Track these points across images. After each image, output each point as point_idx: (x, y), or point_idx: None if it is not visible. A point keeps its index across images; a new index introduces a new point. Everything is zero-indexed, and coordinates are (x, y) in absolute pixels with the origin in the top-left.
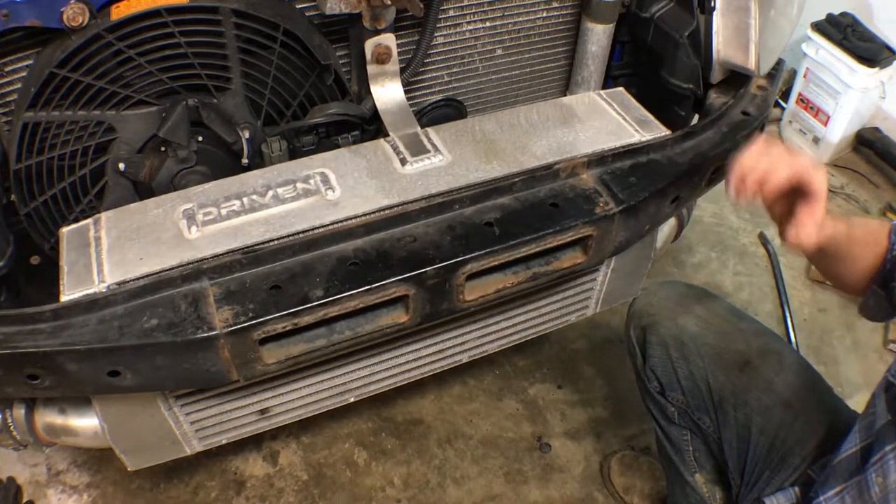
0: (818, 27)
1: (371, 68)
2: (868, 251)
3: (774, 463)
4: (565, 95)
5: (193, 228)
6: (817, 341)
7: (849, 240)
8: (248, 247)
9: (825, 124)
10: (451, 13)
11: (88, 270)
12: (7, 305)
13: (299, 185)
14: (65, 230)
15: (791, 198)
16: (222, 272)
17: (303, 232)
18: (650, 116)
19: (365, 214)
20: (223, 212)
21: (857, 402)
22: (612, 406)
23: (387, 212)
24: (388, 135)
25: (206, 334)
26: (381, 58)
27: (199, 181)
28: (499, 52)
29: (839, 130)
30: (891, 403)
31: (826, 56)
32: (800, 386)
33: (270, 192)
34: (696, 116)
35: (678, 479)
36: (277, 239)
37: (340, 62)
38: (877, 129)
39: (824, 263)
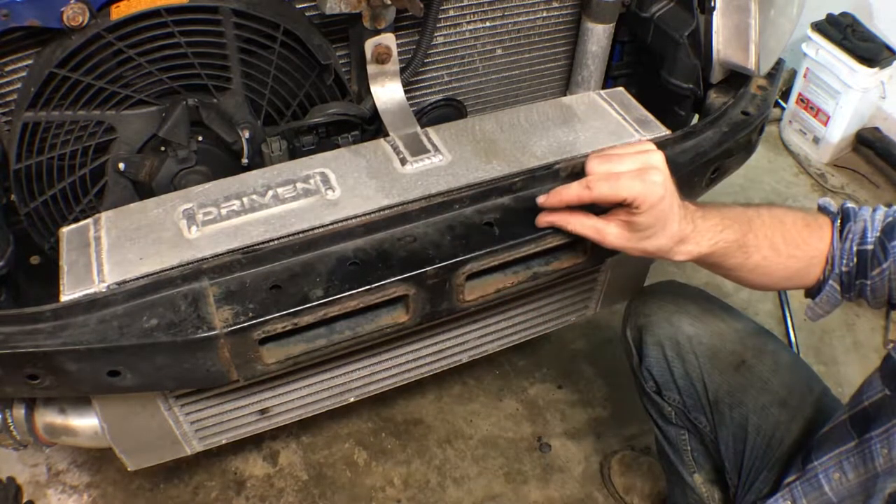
0: (818, 27)
1: (371, 68)
2: (785, 256)
3: (772, 462)
4: (565, 95)
5: (193, 228)
6: (817, 341)
7: (744, 253)
8: (248, 247)
9: (825, 124)
10: (451, 13)
11: (88, 270)
12: (7, 305)
13: (299, 185)
14: (65, 230)
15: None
16: (222, 272)
17: (303, 232)
18: (650, 116)
19: (365, 214)
20: (223, 212)
21: None
22: (612, 406)
23: (387, 212)
24: (388, 135)
25: (206, 334)
26: (381, 58)
27: (199, 181)
28: (499, 52)
29: (839, 130)
30: (888, 377)
31: (826, 56)
32: (796, 385)
33: (270, 192)
34: (696, 116)
35: (677, 480)
36: (277, 239)
37: (340, 62)
38: (877, 129)
39: (715, 269)
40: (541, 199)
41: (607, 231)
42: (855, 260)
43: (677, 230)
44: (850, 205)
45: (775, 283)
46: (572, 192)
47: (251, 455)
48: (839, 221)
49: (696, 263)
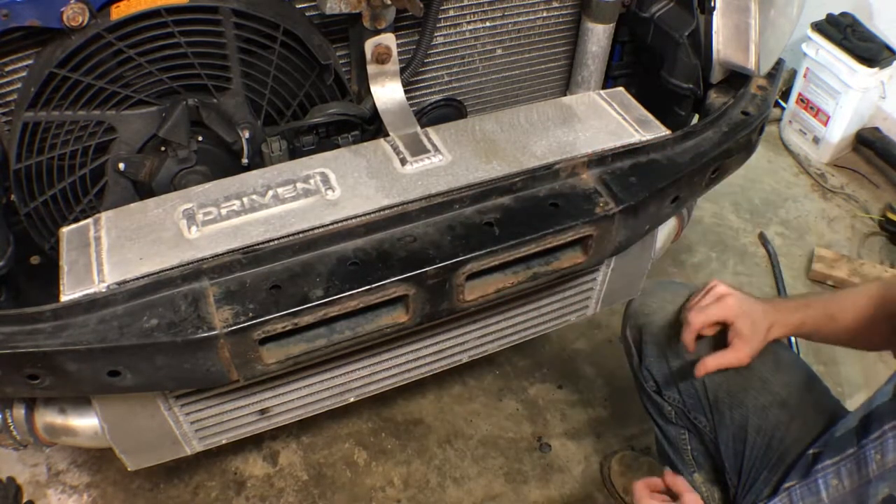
0: (818, 27)
1: (371, 68)
2: (873, 314)
3: (772, 463)
4: (565, 95)
5: (193, 228)
6: None
7: (830, 318)
8: (248, 247)
9: (825, 124)
10: (451, 13)
11: (88, 270)
12: (7, 305)
13: (299, 185)
14: (65, 230)
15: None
16: (222, 272)
17: (303, 232)
18: (650, 116)
19: (365, 214)
20: (223, 212)
21: (857, 402)
22: (612, 406)
23: (387, 212)
24: (388, 135)
25: (206, 334)
26: (381, 58)
27: (199, 181)
28: (499, 52)
29: (839, 130)
30: None
31: (826, 56)
32: (796, 385)
33: (270, 192)
34: (696, 116)
35: None
36: (277, 239)
37: (340, 62)
38: (877, 129)
39: (814, 337)
40: (699, 372)
41: (738, 352)
42: None
43: (765, 320)
44: None
45: (877, 343)
46: (688, 335)
47: (251, 455)
48: None
49: (798, 336)
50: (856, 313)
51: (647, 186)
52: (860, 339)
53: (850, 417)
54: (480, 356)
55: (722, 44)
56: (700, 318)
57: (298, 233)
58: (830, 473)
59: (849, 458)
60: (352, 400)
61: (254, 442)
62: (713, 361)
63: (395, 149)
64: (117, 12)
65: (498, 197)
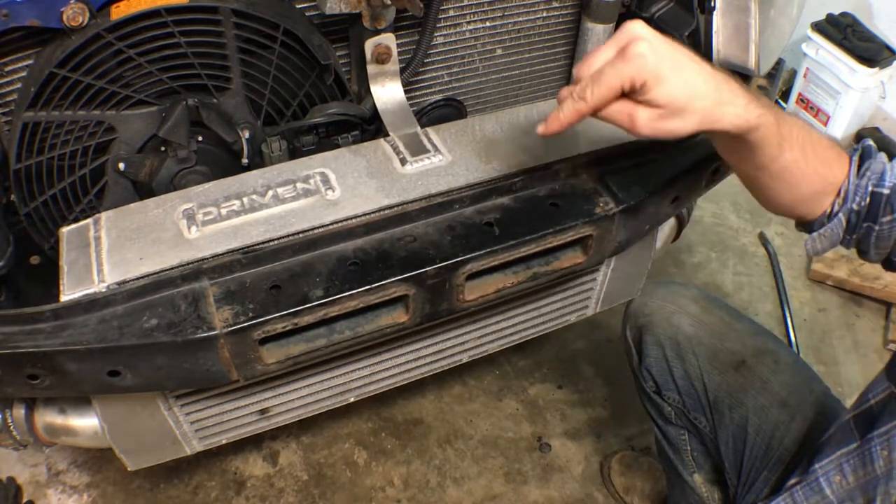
0: (818, 27)
1: (371, 68)
2: (812, 168)
3: (772, 463)
4: None
5: (193, 228)
6: (817, 341)
7: (778, 143)
8: (248, 247)
9: (825, 124)
10: (451, 13)
11: (88, 270)
12: (7, 305)
13: (299, 185)
14: (65, 230)
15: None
16: (222, 272)
17: (303, 232)
18: None
19: (365, 214)
20: (223, 212)
21: None
22: (612, 406)
23: (387, 212)
24: (388, 135)
25: (206, 334)
26: (381, 58)
27: (199, 181)
28: (499, 52)
29: (839, 130)
30: (894, 374)
31: (826, 56)
32: (796, 385)
33: (270, 192)
34: None
35: (677, 479)
36: (277, 239)
37: (340, 62)
38: (877, 129)
39: (744, 163)
40: (541, 130)
41: (637, 115)
42: (868, 200)
43: (706, 89)
44: (870, 143)
45: (794, 201)
46: (569, 110)
47: (251, 455)
48: (857, 157)
49: (728, 155)
50: (802, 153)
51: (647, 186)
52: (782, 185)
53: (842, 415)
54: (480, 356)
55: (722, 44)
56: (598, 92)
57: (298, 233)
58: (832, 470)
59: (852, 454)
60: (352, 400)
61: (254, 442)
62: (572, 108)
63: (395, 149)
64: (117, 12)
65: (498, 197)
